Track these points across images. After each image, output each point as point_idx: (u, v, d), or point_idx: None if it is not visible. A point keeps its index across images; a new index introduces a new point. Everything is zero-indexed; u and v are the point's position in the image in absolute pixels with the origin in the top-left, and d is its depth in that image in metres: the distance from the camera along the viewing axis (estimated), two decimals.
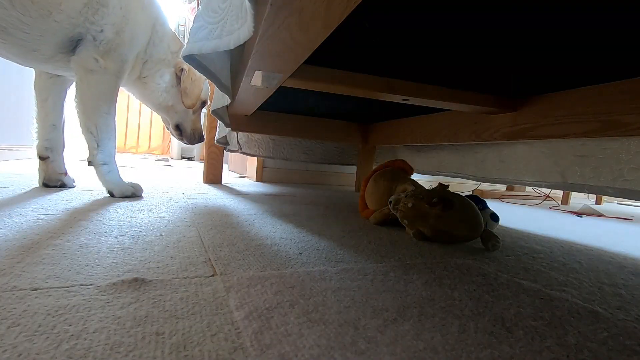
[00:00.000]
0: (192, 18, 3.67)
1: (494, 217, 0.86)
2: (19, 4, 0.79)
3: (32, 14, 0.81)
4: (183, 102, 1.18)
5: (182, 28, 4.30)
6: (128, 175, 1.55)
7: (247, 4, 0.49)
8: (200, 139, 1.32)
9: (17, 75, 1.98)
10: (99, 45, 0.90)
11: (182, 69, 1.15)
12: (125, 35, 0.94)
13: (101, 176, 0.95)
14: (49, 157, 1.03)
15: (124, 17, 0.92)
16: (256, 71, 0.71)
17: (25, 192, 0.91)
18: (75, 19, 0.85)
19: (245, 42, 0.65)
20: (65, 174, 1.07)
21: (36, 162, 1.05)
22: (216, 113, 1.16)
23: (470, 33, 0.58)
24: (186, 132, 1.28)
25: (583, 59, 0.64)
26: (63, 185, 1.05)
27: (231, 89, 0.94)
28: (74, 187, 1.07)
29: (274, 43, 0.58)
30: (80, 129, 0.94)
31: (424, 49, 0.67)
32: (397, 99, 0.90)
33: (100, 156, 0.94)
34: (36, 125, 1.02)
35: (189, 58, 0.76)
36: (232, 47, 0.59)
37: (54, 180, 1.04)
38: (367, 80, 0.82)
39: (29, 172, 1.38)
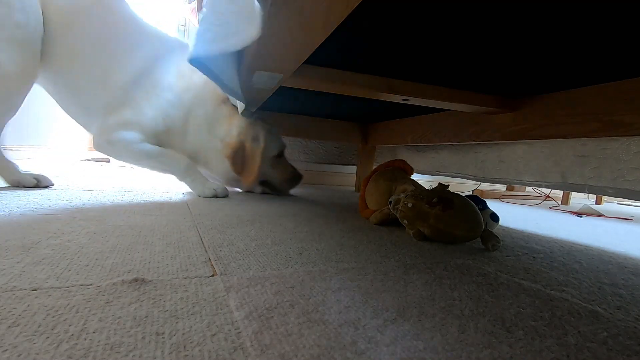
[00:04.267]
0: (192, 18, 3.67)
1: (494, 217, 0.86)
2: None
3: None
4: (243, 183, 1.17)
5: (182, 28, 4.30)
6: (128, 175, 1.55)
7: (256, 5, 0.49)
8: (292, 182, 1.28)
9: None
10: None
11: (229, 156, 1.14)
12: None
13: None
14: None
15: None
16: (256, 71, 0.71)
17: (25, 192, 0.91)
18: None
19: None
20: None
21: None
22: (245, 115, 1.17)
23: (470, 32, 0.58)
24: (275, 188, 1.27)
25: (583, 58, 0.64)
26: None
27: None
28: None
29: (274, 43, 0.58)
30: None
31: (424, 49, 0.67)
32: (397, 99, 0.90)
33: None
34: None
35: (195, 61, 0.76)
36: (239, 49, 0.59)
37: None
38: (367, 80, 0.82)
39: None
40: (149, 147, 1.07)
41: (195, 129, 1.15)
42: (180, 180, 1.11)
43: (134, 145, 1.05)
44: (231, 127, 1.15)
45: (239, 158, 1.13)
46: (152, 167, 1.10)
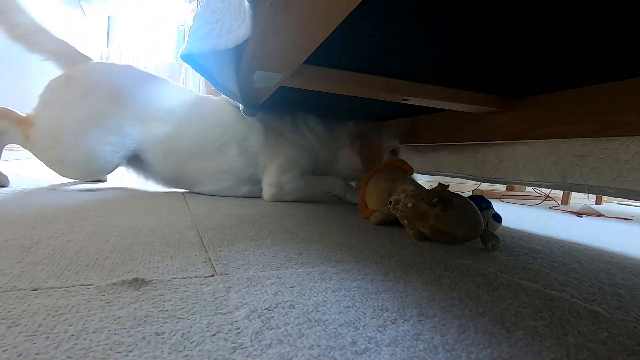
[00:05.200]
0: (192, 18, 3.69)
1: (497, 218, 0.85)
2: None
3: None
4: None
5: (182, 28, 4.30)
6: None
7: (246, 4, 0.49)
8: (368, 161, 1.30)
9: (17, 71, 1.93)
10: None
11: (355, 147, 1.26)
12: None
13: None
14: None
15: None
16: (256, 71, 0.71)
17: (24, 192, 0.91)
18: None
19: (245, 42, 0.65)
20: None
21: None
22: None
23: (470, 32, 0.58)
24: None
25: (583, 59, 0.64)
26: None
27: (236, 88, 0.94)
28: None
29: (274, 43, 0.58)
30: None
31: (424, 49, 0.67)
32: (397, 99, 0.90)
33: None
34: None
35: (187, 57, 0.76)
36: (231, 47, 0.58)
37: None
38: (367, 80, 0.82)
39: (29, 172, 1.37)
40: (308, 178, 1.19)
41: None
42: (343, 196, 1.20)
43: (300, 184, 1.16)
44: (350, 126, 1.27)
45: (366, 151, 1.22)
46: (318, 195, 1.20)
